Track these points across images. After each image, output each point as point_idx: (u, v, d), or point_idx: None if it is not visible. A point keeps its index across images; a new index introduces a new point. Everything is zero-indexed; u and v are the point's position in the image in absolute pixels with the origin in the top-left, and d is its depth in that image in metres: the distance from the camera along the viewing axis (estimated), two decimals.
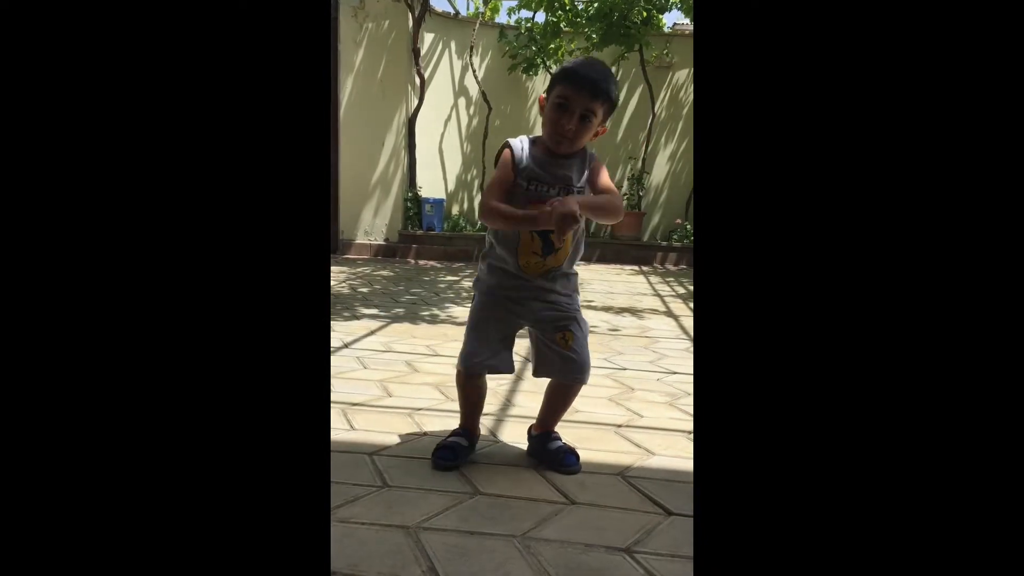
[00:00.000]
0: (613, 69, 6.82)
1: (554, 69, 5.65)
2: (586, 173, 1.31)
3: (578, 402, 1.78)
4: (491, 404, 1.70)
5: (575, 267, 1.37)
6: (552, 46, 5.72)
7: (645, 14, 5.34)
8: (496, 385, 1.81)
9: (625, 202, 5.96)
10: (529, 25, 5.81)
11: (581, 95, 1.23)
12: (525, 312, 1.32)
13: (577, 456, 1.33)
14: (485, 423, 1.57)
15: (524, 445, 1.44)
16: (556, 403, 1.39)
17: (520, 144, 1.33)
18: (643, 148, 6.11)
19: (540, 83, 6.10)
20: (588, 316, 3.12)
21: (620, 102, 1.35)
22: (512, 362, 1.36)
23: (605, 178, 1.32)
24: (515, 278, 1.31)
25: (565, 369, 1.34)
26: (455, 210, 6.28)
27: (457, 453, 1.32)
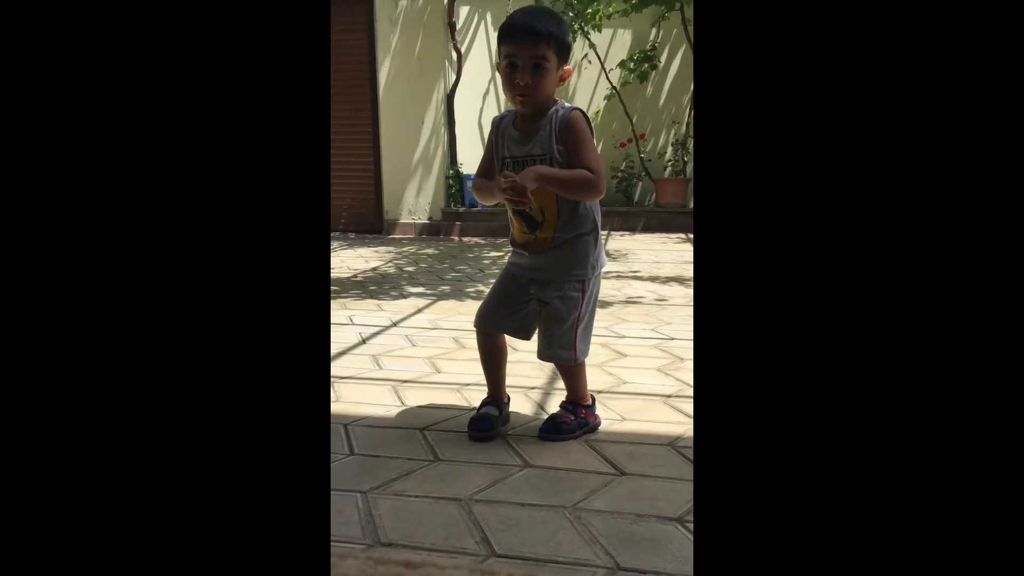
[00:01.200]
0: (652, 32, 6.52)
1: (592, 35, 5.51)
2: (554, 135, 1.23)
3: (626, 373, 1.77)
4: (538, 378, 1.71)
5: (584, 238, 1.28)
6: (589, 11, 5.57)
7: None
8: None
9: (669, 169, 5.82)
10: None
11: (524, 45, 1.18)
12: (531, 282, 1.33)
13: (556, 426, 1.31)
14: (532, 397, 1.58)
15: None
16: (563, 377, 1.39)
17: (499, 120, 1.33)
18: (686, 112, 5.94)
19: (579, 49, 5.97)
20: (634, 287, 3.11)
21: (571, 40, 1.27)
22: (528, 330, 1.35)
23: (585, 150, 1.23)
24: (519, 255, 1.33)
25: (540, 343, 1.33)
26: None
27: (492, 423, 1.34)
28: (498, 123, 1.33)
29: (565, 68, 1.24)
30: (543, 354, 1.33)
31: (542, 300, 1.31)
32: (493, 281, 1.48)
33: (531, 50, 1.18)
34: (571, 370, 1.35)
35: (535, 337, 1.37)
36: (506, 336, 1.40)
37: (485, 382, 1.42)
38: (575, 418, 1.34)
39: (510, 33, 1.20)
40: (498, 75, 1.31)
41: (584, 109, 1.41)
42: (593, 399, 1.40)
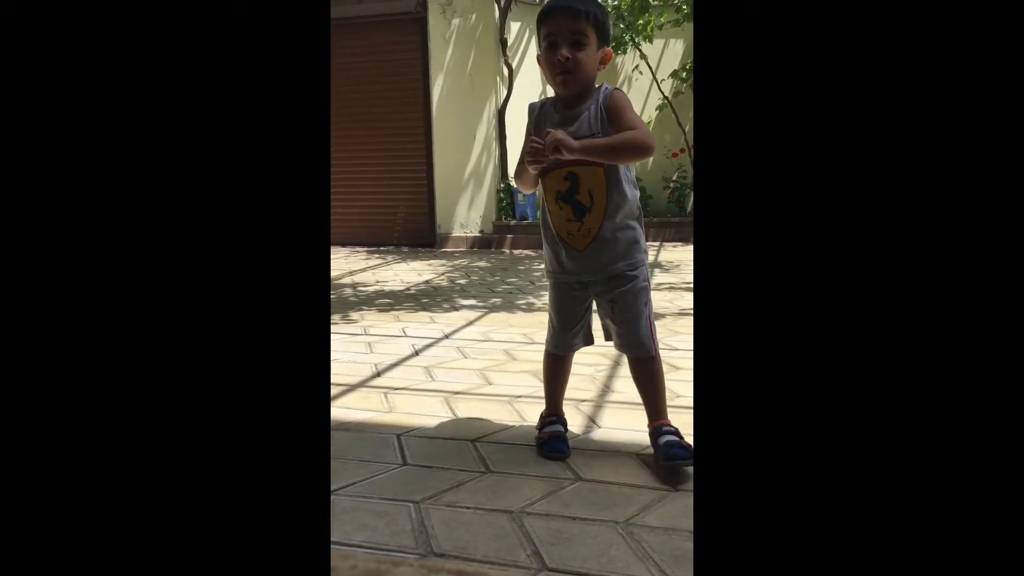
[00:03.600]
0: None
1: (644, 46, 5.48)
2: (600, 115, 1.19)
3: (681, 387, 1.73)
4: (589, 390, 1.69)
5: (631, 224, 1.25)
6: (640, 22, 5.55)
7: None
8: (595, 372, 1.80)
9: None
10: (616, 3, 5.68)
11: (563, 23, 1.17)
12: (585, 286, 1.28)
13: (688, 448, 1.21)
14: (583, 409, 1.57)
15: (623, 431, 1.43)
16: (642, 387, 1.30)
17: (537, 107, 1.29)
18: None
19: (629, 61, 5.94)
20: (687, 299, 3.05)
21: (610, 24, 1.23)
22: (590, 335, 1.34)
23: (628, 115, 1.19)
24: (561, 249, 1.26)
25: (620, 342, 1.28)
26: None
27: (565, 441, 1.32)
28: (537, 109, 1.28)
29: (606, 50, 1.21)
30: (625, 347, 1.27)
31: (610, 298, 1.25)
32: (544, 293, 1.47)
33: (570, 25, 1.16)
34: (654, 367, 1.27)
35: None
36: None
37: (544, 396, 1.41)
38: (678, 438, 1.24)
39: (548, 14, 1.20)
40: (551, 90, 1.30)
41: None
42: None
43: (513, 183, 1.36)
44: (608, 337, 1.33)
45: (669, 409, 1.55)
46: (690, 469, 1.18)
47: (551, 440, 1.31)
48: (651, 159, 4.01)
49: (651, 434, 1.28)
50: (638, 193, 1.27)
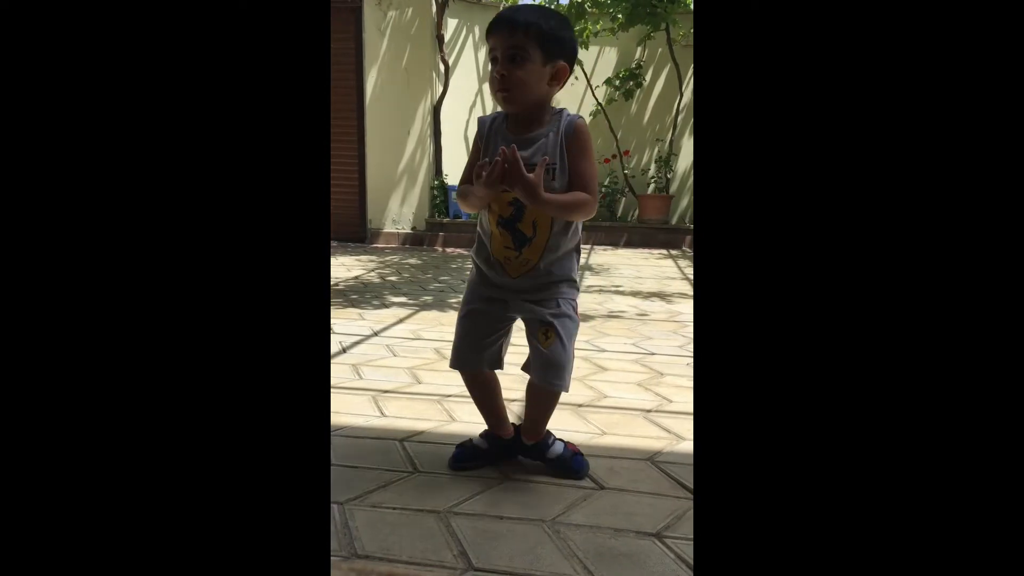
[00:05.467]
0: (638, 51, 6.60)
1: (579, 53, 5.57)
2: (560, 146, 1.11)
3: (607, 387, 1.77)
4: (519, 390, 1.70)
5: (571, 258, 1.19)
6: (577, 28, 5.65)
7: None
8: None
9: (652, 185, 5.89)
10: (553, 7, 5.75)
11: (501, 35, 1.09)
12: (512, 307, 1.21)
13: (582, 454, 1.24)
14: (513, 408, 1.58)
15: (555, 430, 1.44)
16: (535, 411, 1.23)
17: (488, 121, 1.20)
18: (670, 130, 6.02)
19: None
20: (616, 302, 3.13)
21: (568, 37, 1.13)
22: (499, 361, 1.25)
23: (584, 166, 1.12)
24: (494, 268, 1.19)
25: (541, 371, 1.18)
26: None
27: (474, 455, 1.27)
28: (487, 124, 1.20)
29: (557, 65, 1.11)
30: (542, 380, 1.18)
31: (538, 321, 1.17)
32: None
33: (508, 39, 1.08)
34: (555, 400, 1.23)
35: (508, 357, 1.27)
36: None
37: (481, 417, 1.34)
38: (571, 448, 1.26)
39: (490, 27, 1.12)
40: (486, 87, 1.27)
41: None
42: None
43: (456, 200, 1.27)
44: (525, 366, 1.25)
45: (596, 409, 1.58)
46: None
47: (457, 447, 1.29)
48: None
49: (533, 449, 1.26)
50: (581, 224, 1.20)
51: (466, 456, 1.27)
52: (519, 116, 1.15)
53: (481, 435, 1.31)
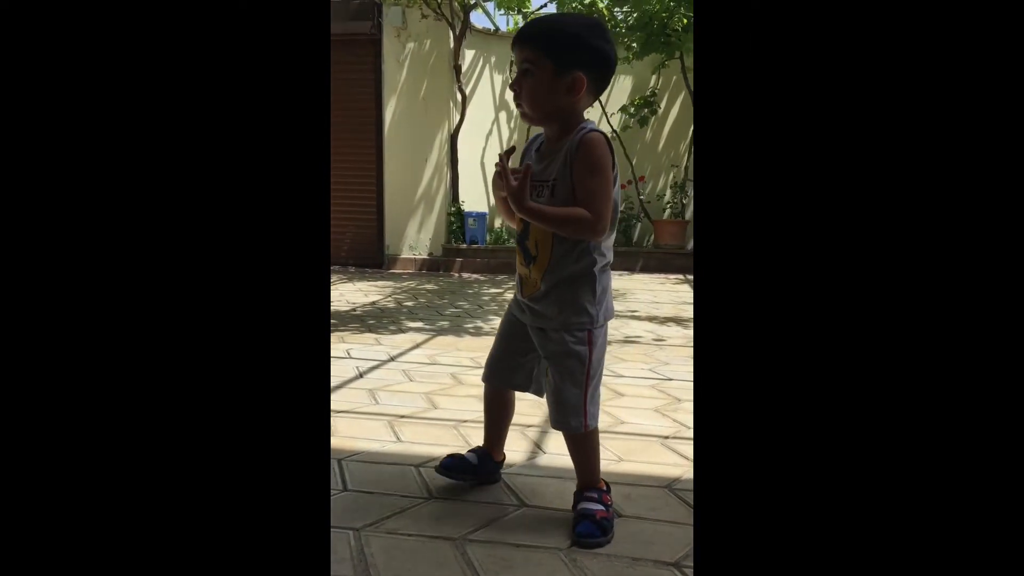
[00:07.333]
0: (652, 79, 6.61)
1: None
2: (567, 160, 1.07)
3: (624, 413, 1.76)
4: (535, 415, 1.70)
5: (579, 286, 1.11)
6: None
7: (686, 21, 5.30)
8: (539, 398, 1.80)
9: (668, 211, 5.89)
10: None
11: (515, 49, 1.09)
12: (529, 331, 1.18)
13: (599, 524, 1.06)
14: (528, 435, 1.57)
15: (568, 457, 1.42)
16: (571, 455, 1.17)
17: (532, 142, 1.20)
18: (685, 156, 6.04)
19: None
20: (632, 326, 3.11)
21: (586, 43, 1.07)
22: (539, 384, 1.20)
23: (590, 180, 1.05)
24: (518, 295, 1.19)
25: (551, 409, 1.15)
26: (497, 223, 6.33)
27: (461, 466, 1.24)
28: (529, 145, 1.20)
29: (574, 74, 1.05)
30: (552, 420, 1.15)
31: (544, 355, 1.15)
32: (493, 317, 1.44)
33: (520, 52, 1.08)
34: (582, 441, 1.14)
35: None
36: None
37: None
38: (606, 508, 1.10)
39: (512, 40, 1.12)
40: (503, 116, 1.29)
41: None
42: (608, 486, 1.17)
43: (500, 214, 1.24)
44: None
45: (613, 435, 1.57)
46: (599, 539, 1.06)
47: (447, 456, 1.27)
48: None
49: (574, 495, 1.16)
50: (602, 259, 1.11)
51: (455, 467, 1.25)
52: (548, 131, 1.15)
53: (472, 450, 1.30)
